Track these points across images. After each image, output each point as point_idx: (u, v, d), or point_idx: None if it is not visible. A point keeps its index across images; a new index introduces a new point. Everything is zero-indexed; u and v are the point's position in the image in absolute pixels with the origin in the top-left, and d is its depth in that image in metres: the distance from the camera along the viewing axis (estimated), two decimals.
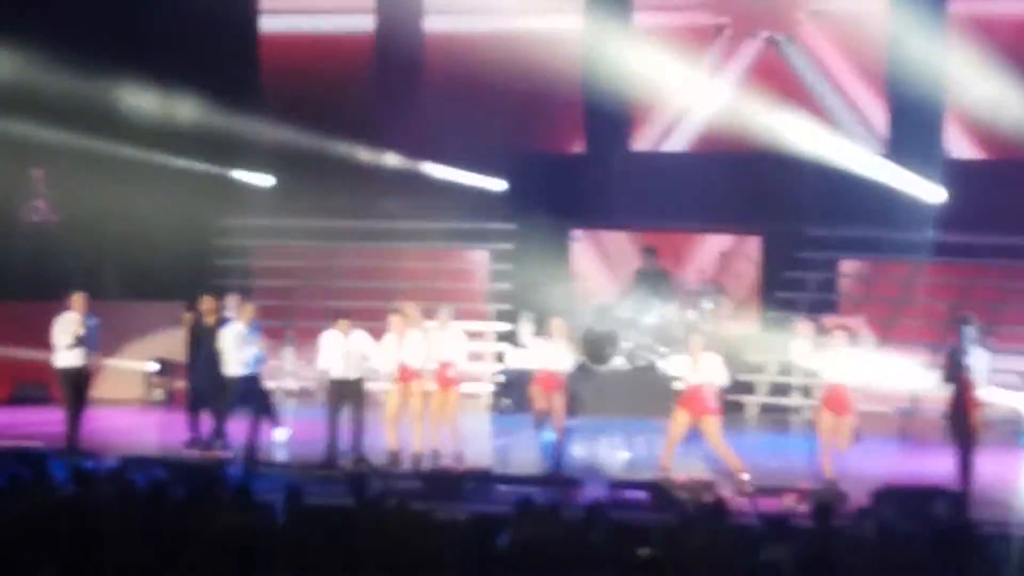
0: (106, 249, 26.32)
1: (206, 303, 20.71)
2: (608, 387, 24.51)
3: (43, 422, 21.42)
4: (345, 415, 19.57)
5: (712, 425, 18.65)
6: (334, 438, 19.52)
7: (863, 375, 18.60)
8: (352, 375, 19.64)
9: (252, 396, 20.04)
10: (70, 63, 24.06)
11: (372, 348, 19.74)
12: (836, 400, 18.42)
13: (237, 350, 19.94)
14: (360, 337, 19.74)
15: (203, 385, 20.55)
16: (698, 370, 18.68)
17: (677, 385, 20.24)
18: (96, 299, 23.26)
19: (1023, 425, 22.83)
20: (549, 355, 19.82)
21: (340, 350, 19.62)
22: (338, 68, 28.15)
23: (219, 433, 20.18)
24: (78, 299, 20.23)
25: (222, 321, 20.37)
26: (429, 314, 19.96)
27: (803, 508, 15.79)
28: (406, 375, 19.65)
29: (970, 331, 17.82)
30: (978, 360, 17.76)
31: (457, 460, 19.31)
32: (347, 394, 19.66)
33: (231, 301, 20.82)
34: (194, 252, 25.97)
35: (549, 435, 19.81)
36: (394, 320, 19.62)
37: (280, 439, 20.63)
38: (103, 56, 24.62)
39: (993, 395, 23.28)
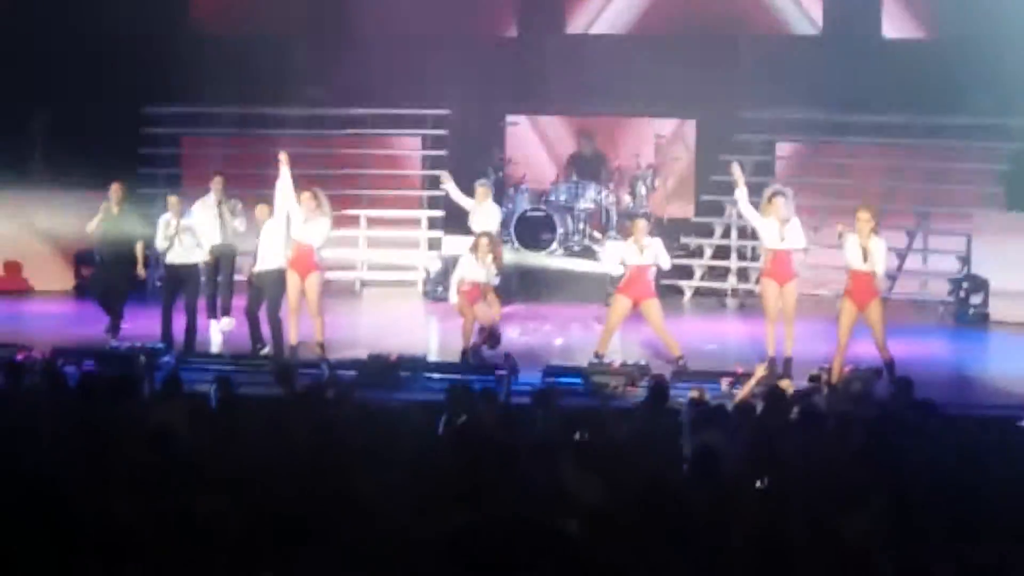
0: (35, 136, 26.12)
1: (115, 190, 20.56)
2: (543, 273, 24.57)
3: None
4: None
5: (654, 308, 18.72)
6: (256, 328, 19.49)
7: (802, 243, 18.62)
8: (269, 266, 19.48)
9: (186, 285, 20.00)
10: None
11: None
12: (779, 269, 18.47)
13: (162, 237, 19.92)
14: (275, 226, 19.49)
15: (106, 273, 20.46)
16: (642, 254, 18.73)
17: (616, 270, 20.28)
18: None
19: (961, 305, 23.00)
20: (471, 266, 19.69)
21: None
22: None
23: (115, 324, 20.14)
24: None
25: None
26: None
27: (738, 391, 15.96)
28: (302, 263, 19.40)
29: None
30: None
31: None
32: (263, 284, 19.50)
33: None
34: (120, 140, 25.76)
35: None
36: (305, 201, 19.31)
37: (225, 328, 20.43)
38: None
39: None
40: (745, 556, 7.95)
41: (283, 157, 19.23)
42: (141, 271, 20.95)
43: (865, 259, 17.34)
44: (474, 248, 19.62)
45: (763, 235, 18.83)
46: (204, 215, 20.14)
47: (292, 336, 19.08)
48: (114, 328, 20.12)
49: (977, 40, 24.27)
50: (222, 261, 20.21)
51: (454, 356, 19.26)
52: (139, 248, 20.51)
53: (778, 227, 18.39)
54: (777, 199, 18.50)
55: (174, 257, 20.01)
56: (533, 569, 6.51)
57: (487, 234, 19.98)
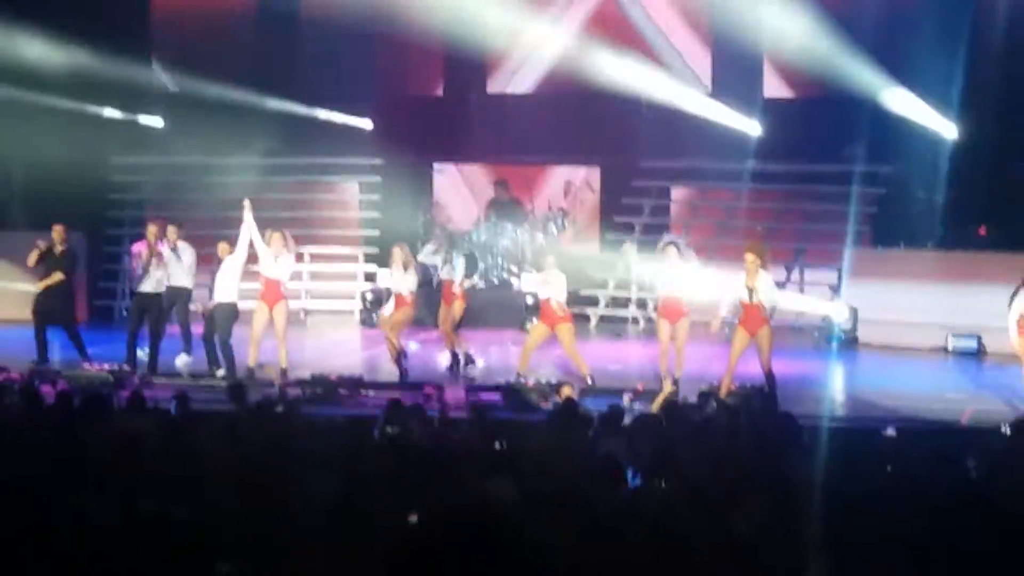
0: (13, 185, 25.97)
1: (56, 232, 20.35)
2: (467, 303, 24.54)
3: None
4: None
5: (566, 332, 18.76)
6: (212, 352, 19.41)
7: (690, 287, 18.76)
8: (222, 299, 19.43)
9: (151, 311, 19.87)
10: None
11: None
12: (670, 309, 18.60)
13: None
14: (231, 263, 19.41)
15: (48, 306, 20.27)
16: (546, 286, 18.78)
17: (528, 300, 20.37)
18: (5, 230, 23.09)
19: (833, 330, 23.14)
20: (395, 280, 19.71)
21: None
22: (222, 15, 27.82)
23: (80, 349, 19.95)
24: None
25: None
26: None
27: (637, 405, 16.03)
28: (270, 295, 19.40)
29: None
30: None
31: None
32: (218, 315, 19.43)
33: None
34: (93, 187, 25.65)
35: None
36: (274, 240, 19.33)
37: (181, 363, 20.29)
38: (4, 11, 24.25)
39: (806, 304, 23.72)
40: (646, 550, 7.96)
41: (246, 204, 19.20)
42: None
43: (751, 297, 17.42)
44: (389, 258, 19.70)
45: (657, 282, 18.94)
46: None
47: (252, 359, 19.02)
48: (81, 351, 19.91)
49: (844, 99, 24.49)
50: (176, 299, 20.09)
51: (386, 376, 19.26)
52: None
53: (670, 274, 18.52)
54: (669, 248, 18.63)
55: (142, 287, 19.86)
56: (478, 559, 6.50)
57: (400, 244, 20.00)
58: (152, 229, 19.98)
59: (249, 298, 19.66)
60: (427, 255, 20.72)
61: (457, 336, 20.30)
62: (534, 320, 19.92)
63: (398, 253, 19.58)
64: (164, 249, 19.81)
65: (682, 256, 18.62)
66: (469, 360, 20.20)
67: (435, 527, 6.81)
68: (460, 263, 20.55)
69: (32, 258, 20.20)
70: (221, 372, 19.08)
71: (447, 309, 20.22)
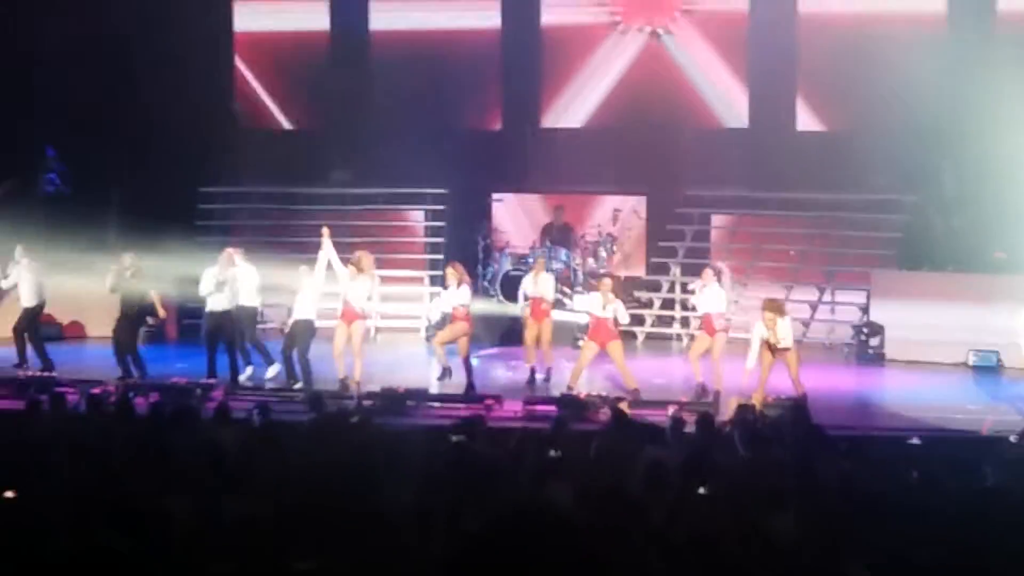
0: (110, 211, 26.11)
1: (127, 258, 20.34)
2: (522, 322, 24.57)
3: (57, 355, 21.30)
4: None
5: (617, 349, 18.80)
6: (290, 366, 19.48)
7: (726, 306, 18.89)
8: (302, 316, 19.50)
9: (224, 328, 19.90)
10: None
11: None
12: (708, 325, 18.71)
13: (210, 288, 19.83)
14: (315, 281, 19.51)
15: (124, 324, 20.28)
16: (604, 309, 18.80)
17: (584, 319, 20.34)
18: (102, 252, 23.18)
19: (862, 346, 23.04)
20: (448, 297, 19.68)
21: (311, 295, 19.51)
22: (298, 60, 27.99)
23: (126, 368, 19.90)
24: (225, 254, 20.01)
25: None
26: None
27: (683, 416, 15.94)
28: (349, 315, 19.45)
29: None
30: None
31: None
32: (296, 331, 19.49)
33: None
34: (182, 214, 25.78)
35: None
36: (351, 266, 19.44)
37: (270, 375, 20.26)
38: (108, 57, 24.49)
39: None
40: (690, 552, 7.92)
41: (325, 231, 19.35)
42: (162, 313, 20.88)
43: (778, 341, 17.57)
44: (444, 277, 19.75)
45: (699, 302, 19.15)
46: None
47: (340, 371, 19.10)
48: (126, 371, 19.88)
49: (872, 131, 24.44)
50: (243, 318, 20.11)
51: (451, 389, 19.27)
52: (155, 298, 20.47)
53: (710, 296, 18.89)
54: (714, 272, 19.23)
55: (213, 305, 19.91)
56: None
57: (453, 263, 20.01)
58: (227, 252, 20.06)
59: (327, 318, 19.75)
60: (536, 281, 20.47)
61: (547, 352, 20.24)
62: (585, 338, 19.88)
63: (451, 272, 19.62)
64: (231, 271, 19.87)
65: (724, 280, 18.82)
66: (548, 376, 20.16)
67: (495, 531, 6.79)
68: (549, 281, 20.52)
69: (109, 283, 20.27)
70: (298, 385, 19.13)
71: (536, 326, 20.07)
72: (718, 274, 19.39)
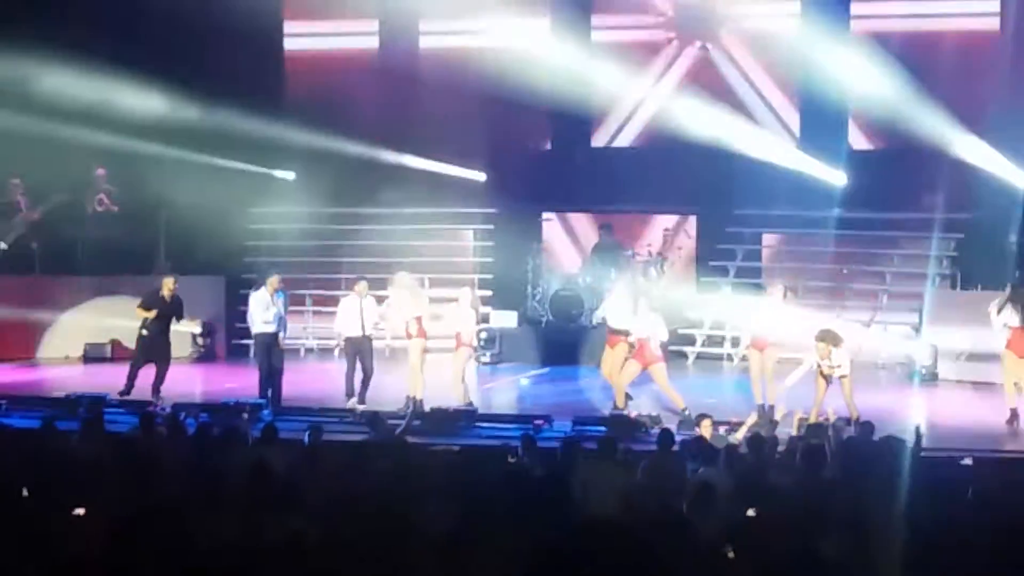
0: (157, 234, 26.29)
1: (167, 283, 20.49)
2: (573, 340, 24.62)
3: (107, 375, 21.43)
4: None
5: (659, 371, 18.77)
6: (351, 385, 19.60)
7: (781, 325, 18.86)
8: (362, 333, 19.69)
9: (272, 350, 19.98)
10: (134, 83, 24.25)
11: (377, 310, 19.81)
12: (758, 342, 18.72)
13: (261, 312, 19.90)
14: (370, 301, 19.77)
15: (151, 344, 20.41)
16: (643, 326, 18.79)
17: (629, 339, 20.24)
18: (148, 275, 23.35)
19: (915, 367, 22.95)
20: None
21: (355, 312, 19.68)
22: (348, 79, 28.10)
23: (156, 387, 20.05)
24: (272, 280, 20.08)
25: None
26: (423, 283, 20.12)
27: (734, 437, 15.86)
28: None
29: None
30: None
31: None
32: (360, 349, 19.69)
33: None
34: (230, 235, 25.92)
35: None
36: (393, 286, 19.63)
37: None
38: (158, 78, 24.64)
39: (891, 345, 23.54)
40: (740, 571, 7.91)
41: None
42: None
43: (832, 371, 17.74)
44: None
45: (754, 319, 19.35)
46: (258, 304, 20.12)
47: (412, 390, 19.27)
48: (155, 390, 19.99)
49: (924, 150, 24.34)
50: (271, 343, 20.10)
51: (498, 408, 19.32)
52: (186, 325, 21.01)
53: (769, 313, 19.07)
54: (777, 290, 19.33)
55: (262, 327, 19.99)
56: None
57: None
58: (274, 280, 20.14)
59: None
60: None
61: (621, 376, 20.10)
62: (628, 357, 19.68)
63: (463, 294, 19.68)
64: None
65: (785, 299, 18.82)
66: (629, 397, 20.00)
67: (549, 549, 6.79)
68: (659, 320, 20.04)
69: (141, 310, 20.47)
70: (355, 404, 19.22)
71: (611, 352, 19.72)
72: (783, 291, 19.38)
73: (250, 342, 22.21)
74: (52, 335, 24.98)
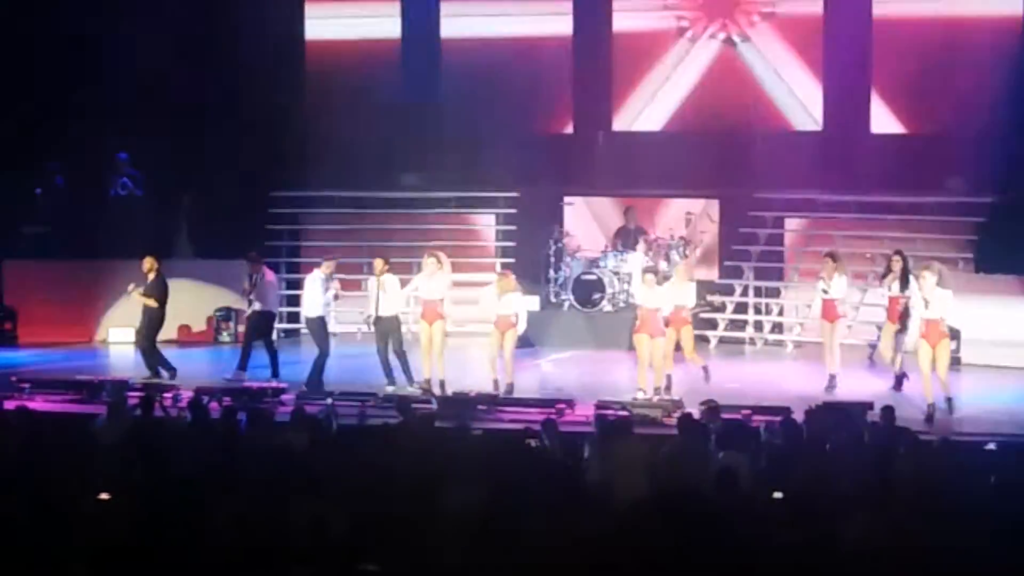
0: (180, 216, 26.36)
1: (147, 262, 20.74)
2: (595, 325, 24.64)
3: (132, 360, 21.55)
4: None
5: (686, 333, 18.98)
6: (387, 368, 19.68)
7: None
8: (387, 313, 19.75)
9: (323, 333, 20.11)
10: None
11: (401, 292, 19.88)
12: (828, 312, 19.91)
13: (320, 295, 20.03)
14: (391, 281, 19.78)
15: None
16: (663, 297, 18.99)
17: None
18: (170, 258, 23.41)
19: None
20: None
21: (372, 294, 19.75)
22: (370, 66, 28.07)
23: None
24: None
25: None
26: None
27: (754, 421, 15.86)
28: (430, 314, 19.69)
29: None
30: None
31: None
32: (388, 330, 19.73)
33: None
34: (252, 218, 25.99)
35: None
36: (428, 264, 19.72)
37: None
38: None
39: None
40: (764, 555, 7.93)
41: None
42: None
43: (927, 306, 18.01)
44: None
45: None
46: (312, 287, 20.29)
47: (425, 372, 19.53)
48: (170, 370, 20.42)
49: (947, 134, 24.27)
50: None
51: (520, 393, 19.35)
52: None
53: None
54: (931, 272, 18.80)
55: (320, 312, 20.26)
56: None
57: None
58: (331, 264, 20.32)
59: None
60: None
61: (695, 355, 20.26)
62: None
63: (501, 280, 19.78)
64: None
65: (941, 282, 18.64)
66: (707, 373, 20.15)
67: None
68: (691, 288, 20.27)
69: (132, 290, 20.83)
70: (390, 388, 19.29)
71: (674, 332, 19.73)
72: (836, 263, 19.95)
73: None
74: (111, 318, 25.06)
